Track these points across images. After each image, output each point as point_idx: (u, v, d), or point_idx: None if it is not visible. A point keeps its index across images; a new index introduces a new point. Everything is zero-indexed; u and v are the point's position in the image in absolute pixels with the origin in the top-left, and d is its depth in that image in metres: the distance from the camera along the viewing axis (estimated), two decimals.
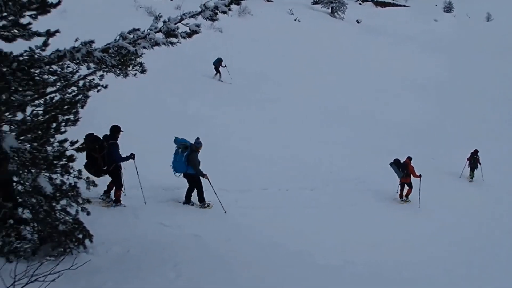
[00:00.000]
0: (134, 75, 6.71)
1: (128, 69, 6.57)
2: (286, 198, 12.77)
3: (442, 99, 31.18)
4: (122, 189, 9.44)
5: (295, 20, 44.58)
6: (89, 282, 5.93)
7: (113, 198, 9.39)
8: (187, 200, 10.49)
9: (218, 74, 24.94)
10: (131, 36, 5.67)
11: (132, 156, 9.12)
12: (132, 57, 6.08)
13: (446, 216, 13.96)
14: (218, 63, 24.71)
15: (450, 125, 26.48)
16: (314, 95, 26.87)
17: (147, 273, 6.65)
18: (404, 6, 76.19)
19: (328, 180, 15.11)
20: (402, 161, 14.50)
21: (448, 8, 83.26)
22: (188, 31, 5.59)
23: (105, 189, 9.40)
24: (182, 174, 10.28)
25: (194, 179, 10.25)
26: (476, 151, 18.77)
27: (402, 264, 9.87)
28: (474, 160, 18.69)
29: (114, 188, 9.39)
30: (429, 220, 13.50)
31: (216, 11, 5.44)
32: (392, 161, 14.54)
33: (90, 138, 8.63)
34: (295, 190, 13.55)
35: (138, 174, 9.39)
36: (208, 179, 10.20)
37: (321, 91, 27.84)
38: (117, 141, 9.05)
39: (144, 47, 5.57)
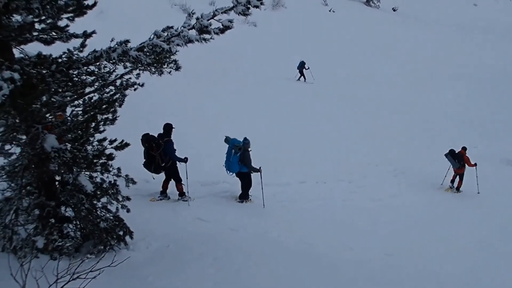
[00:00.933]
0: (169, 72, 6.77)
1: (163, 67, 6.63)
2: (324, 191, 12.62)
3: (486, 86, 29.91)
4: (183, 183, 9.84)
5: (329, 11, 43.96)
6: (131, 276, 6.06)
7: (178, 192, 9.87)
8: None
9: (302, 76, 26.06)
10: (165, 34, 5.70)
11: (185, 160, 9.60)
12: (167, 55, 6.11)
13: (498, 203, 13.79)
14: (301, 66, 25.74)
15: (499, 113, 25.30)
16: (352, 84, 26.50)
17: (187, 268, 6.73)
18: None
19: (366, 172, 14.80)
20: (456, 152, 14.41)
21: None
22: (221, 26, 5.57)
23: (161, 189, 9.84)
24: (234, 174, 10.49)
25: (247, 176, 10.51)
26: None
27: (446, 257, 9.63)
28: None
29: (174, 183, 9.84)
30: (479, 208, 13.38)
31: (249, 5, 5.39)
32: (448, 151, 14.44)
33: (147, 137, 9.30)
34: (332, 182, 13.38)
35: (187, 178, 9.67)
36: (261, 173, 10.45)
37: (359, 81, 27.41)
38: (171, 138, 9.53)
39: (178, 45, 5.59)
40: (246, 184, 10.55)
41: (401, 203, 12.75)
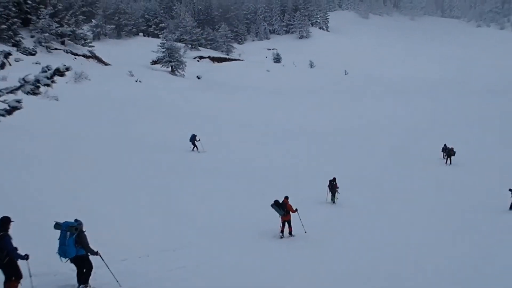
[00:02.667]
0: None
1: None
2: (148, 265, 12.12)
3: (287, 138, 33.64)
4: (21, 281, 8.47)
5: (136, 81, 44.44)
6: None
7: None
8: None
9: (195, 147, 28.65)
10: None
11: (26, 257, 8.38)
12: None
13: (325, 241, 15.47)
14: (193, 139, 28.48)
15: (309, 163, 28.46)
16: (158, 153, 26.76)
17: None
18: (239, 60, 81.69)
19: (188, 236, 14.75)
20: (280, 201, 15.64)
21: (277, 59, 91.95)
22: (8, 107, 5.11)
23: None
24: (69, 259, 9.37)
25: (85, 259, 9.50)
26: (334, 179, 21.09)
27: None
28: (332, 186, 21.02)
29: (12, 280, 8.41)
30: (310, 247, 14.67)
31: (38, 84, 5.08)
32: (273, 202, 15.61)
33: None
34: (155, 254, 12.95)
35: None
36: (101, 255, 9.60)
37: (171, 146, 27.91)
38: (8, 232, 8.29)
39: None
40: (87, 267, 9.54)
41: (222, 265, 12.99)
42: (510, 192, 19.51)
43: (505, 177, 23.64)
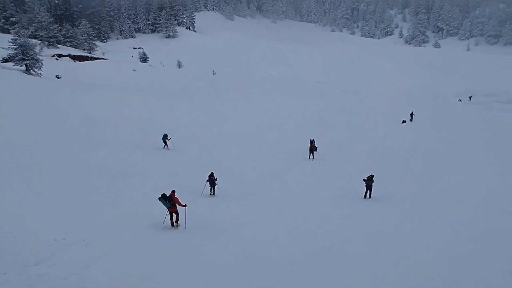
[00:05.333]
0: None
1: None
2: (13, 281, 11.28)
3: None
4: None
5: None
6: None
7: None
8: None
9: (166, 145, 32.22)
10: None
11: None
12: None
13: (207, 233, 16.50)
14: (165, 138, 32.05)
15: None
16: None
17: None
18: (103, 59, 78.09)
19: (53, 250, 13.89)
20: (168, 195, 16.37)
21: (144, 59, 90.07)
22: None
23: None
24: None
25: None
26: (212, 173, 22.41)
27: None
28: (211, 180, 22.36)
29: None
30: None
31: None
32: (160, 195, 16.31)
33: None
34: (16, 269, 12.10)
35: None
36: None
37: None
38: None
39: None
40: None
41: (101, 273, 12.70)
42: (364, 182, 22.02)
43: (361, 169, 26.61)
